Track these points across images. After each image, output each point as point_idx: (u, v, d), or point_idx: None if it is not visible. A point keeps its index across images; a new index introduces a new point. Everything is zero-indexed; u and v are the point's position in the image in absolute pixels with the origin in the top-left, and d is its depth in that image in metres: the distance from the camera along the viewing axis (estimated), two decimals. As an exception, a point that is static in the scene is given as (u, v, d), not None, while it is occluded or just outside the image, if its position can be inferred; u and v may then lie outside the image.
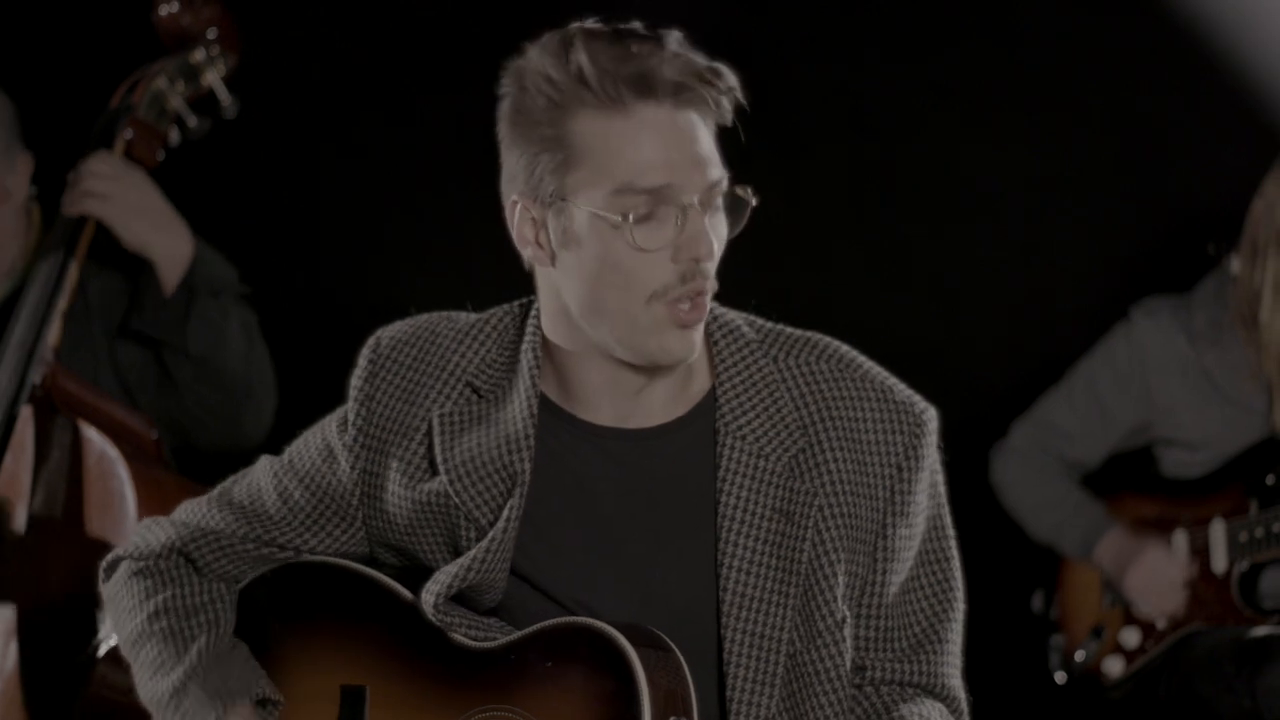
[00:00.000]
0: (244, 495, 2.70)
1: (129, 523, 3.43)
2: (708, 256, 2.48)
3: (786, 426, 2.57)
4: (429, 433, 2.60)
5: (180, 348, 3.73)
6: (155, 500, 3.48)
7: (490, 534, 2.56)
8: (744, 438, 2.56)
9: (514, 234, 2.55)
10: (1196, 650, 4.12)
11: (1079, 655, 4.25)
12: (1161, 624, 4.19)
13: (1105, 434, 4.26)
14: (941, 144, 4.50)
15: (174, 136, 3.80)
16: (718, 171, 2.49)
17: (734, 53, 2.58)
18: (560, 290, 2.54)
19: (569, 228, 2.49)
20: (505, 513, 2.55)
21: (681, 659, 2.50)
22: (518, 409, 2.57)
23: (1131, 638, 4.21)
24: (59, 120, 3.93)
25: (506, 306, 2.67)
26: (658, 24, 2.49)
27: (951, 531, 2.66)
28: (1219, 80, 4.37)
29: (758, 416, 2.57)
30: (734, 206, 2.52)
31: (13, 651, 3.48)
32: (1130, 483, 4.32)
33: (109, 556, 2.78)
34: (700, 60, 2.48)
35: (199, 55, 3.80)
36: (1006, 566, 4.29)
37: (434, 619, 2.58)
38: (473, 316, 2.67)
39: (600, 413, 2.58)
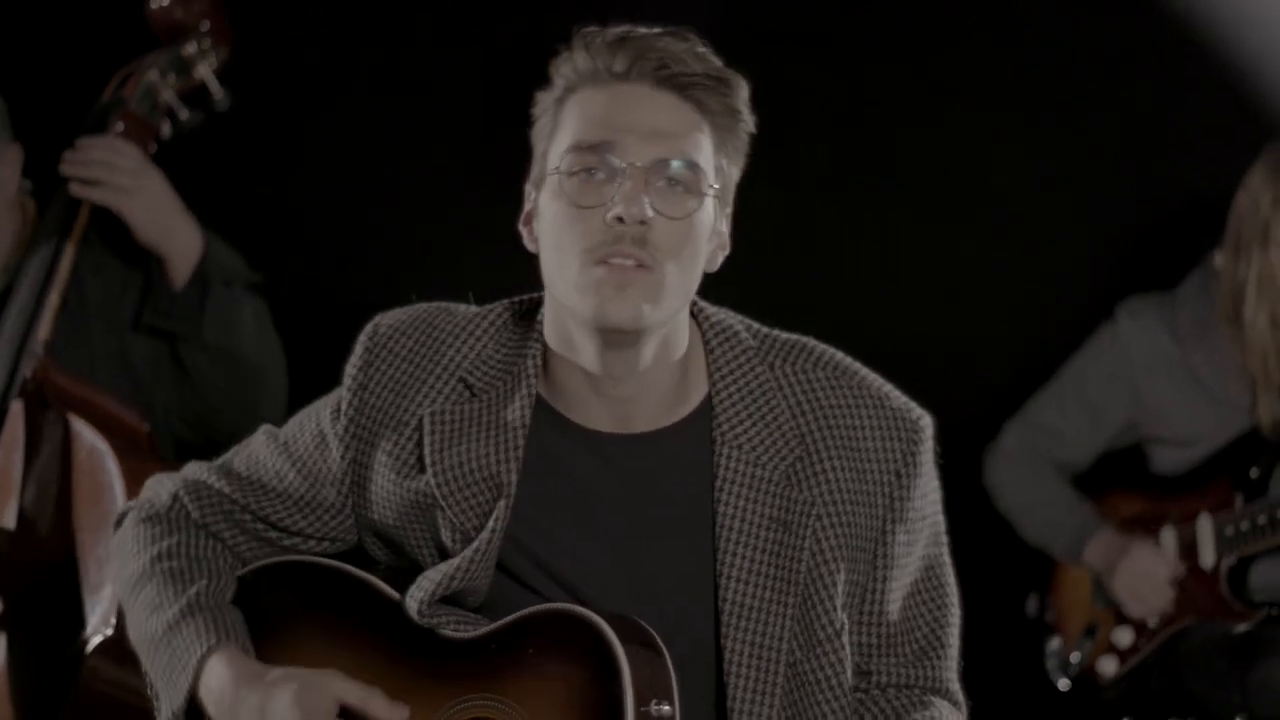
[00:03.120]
0: (243, 467, 2.71)
1: (118, 517, 3.43)
2: (631, 220, 2.46)
3: (783, 435, 2.57)
4: (419, 429, 2.59)
5: (196, 339, 3.73)
6: (146, 495, 3.47)
7: (475, 543, 2.55)
8: (740, 446, 2.56)
9: (521, 228, 2.59)
10: (1187, 646, 4.13)
11: (1074, 657, 4.25)
12: (1153, 622, 4.20)
13: (1095, 434, 4.26)
14: (940, 142, 4.50)
15: (166, 129, 3.80)
16: (676, 152, 2.48)
17: (733, 50, 2.59)
18: (543, 270, 2.56)
19: (543, 201, 2.53)
20: (490, 523, 2.55)
21: (664, 649, 2.49)
22: (513, 413, 2.57)
23: (1124, 637, 4.21)
24: (51, 114, 3.92)
25: (507, 302, 2.67)
26: (657, 21, 2.50)
27: (945, 538, 2.68)
28: (1218, 79, 4.37)
29: (754, 425, 2.57)
30: (687, 190, 2.49)
31: (2, 646, 3.47)
32: (1118, 480, 4.32)
33: (119, 510, 2.78)
34: (695, 58, 2.50)
35: (191, 48, 3.79)
36: (1001, 570, 4.29)
37: (420, 623, 2.57)
38: (472, 310, 2.66)
39: (592, 416, 2.58)
